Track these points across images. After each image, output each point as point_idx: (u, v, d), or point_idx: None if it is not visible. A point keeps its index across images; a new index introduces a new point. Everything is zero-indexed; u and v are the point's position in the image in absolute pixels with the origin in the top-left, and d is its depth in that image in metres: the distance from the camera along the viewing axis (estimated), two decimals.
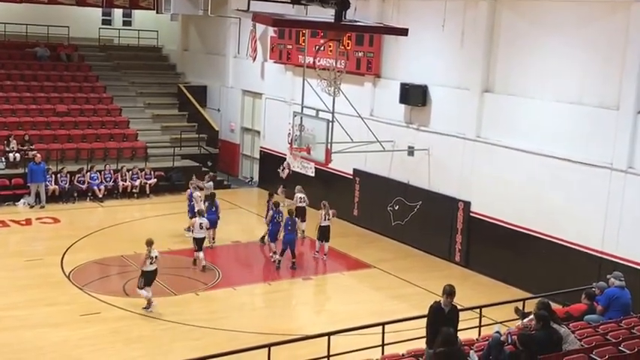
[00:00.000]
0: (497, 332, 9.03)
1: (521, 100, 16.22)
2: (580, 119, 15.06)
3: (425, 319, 9.29)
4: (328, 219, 17.70)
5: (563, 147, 15.25)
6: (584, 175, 14.85)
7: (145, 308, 13.90)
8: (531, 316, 9.67)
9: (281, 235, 17.01)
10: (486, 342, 9.24)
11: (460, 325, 9.75)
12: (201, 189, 19.13)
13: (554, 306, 10.07)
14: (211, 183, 20.13)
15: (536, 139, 15.80)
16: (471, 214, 17.30)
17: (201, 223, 16.45)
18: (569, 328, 9.35)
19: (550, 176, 15.52)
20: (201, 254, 16.42)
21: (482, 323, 11.62)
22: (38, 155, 21.42)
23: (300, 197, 18.93)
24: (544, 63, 15.75)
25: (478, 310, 11.72)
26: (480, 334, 11.12)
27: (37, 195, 21.18)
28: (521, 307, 11.10)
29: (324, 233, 17.69)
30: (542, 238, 15.64)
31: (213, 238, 18.10)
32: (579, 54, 15.09)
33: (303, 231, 18.80)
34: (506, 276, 16.25)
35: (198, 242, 16.43)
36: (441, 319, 8.94)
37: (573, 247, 15.01)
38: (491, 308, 11.91)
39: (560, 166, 15.29)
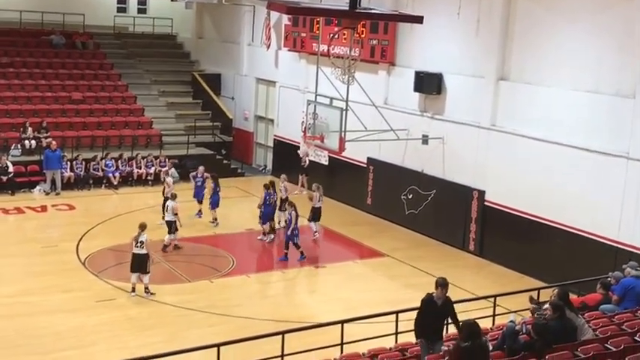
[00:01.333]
0: (512, 321, 8.99)
1: (537, 88, 16.07)
2: (596, 108, 14.91)
3: None
4: (321, 200, 17.97)
5: (579, 136, 15.11)
6: (600, 164, 14.72)
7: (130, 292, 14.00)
8: (546, 306, 9.63)
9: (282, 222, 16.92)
10: (500, 331, 9.21)
11: (475, 315, 9.75)
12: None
13: (570, 296, 10.01)
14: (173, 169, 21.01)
15: (552, 128, 15.67)
16: (486, 203, 17.23)
17: (167, 206, 16.68)
18: (584, 318, 9.31)
19: (566, 165, 15.40)
20: (169, 237, 16.52)
21: (497, 312, 11.59)
22: (54, 142, 21.56)
23: (285, 187, 18.89)
24: (560, 51, 15.58)
25: (492, 300, 11.68)
26: (493, 324, 11.10)
27: (53, 182, 21.35)
28: (535, 297, 11.05)
29: (316, 214, 18.04)
30: (557, 228, 15.55)
31: (215, 219, 18.64)
32: (595, 42, 14.91)
33: (280, 222, 18.65)
34: (521, 265, 16.18)
35: (169, 225, 16.53)
36: (432, 311, 8.96)
37: (589, 237, 14.91)
38: (505, 297, 11.87)
39: (575, 155, 15.17)
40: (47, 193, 21.13)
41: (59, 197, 20.96)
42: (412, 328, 10.44)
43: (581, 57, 15.16)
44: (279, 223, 18.38)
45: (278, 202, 18.14)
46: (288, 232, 16.50)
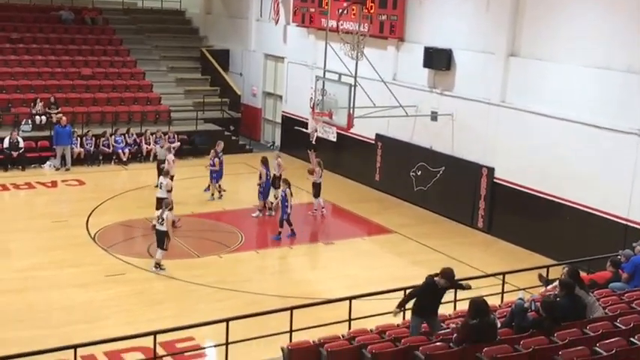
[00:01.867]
0: (521, 299, 8.99)
1: (548, 64, 15.90)
2: (607, 84, 14.75)
3: None
4: (321, 176, 18.01)
5: (590, 113, 14.97)
6: (611, 141, 14.59)
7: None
8: (555, 283, 9.61)
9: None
10: (509, 308, 9.21)
11: (483, 292, 9.76)
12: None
13: (580, 273, 9.98)
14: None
15: (562, 105, 15.53)
16: (495, 180, 17.16)
17: (161, 183, 16.32)
18: (594, 296, 9.29)
19: (576, 142, 15.28)
20: (156, 213, 16.12)
21: (505, 290, 11.59)
22: (64, 118, 21.60)
23: (279, 164, 18.83)
24: (571, 26, 15.38)
25: (501, 277, 11.68)
26: (502, 301, 11.11)
27: (63, 158, 21.43)
28: (544, 274, 11.03)
29: (319, 190, 18.04)
30: (567, 205, 15.48)
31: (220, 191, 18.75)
32: (607, 17, 14.70)
33: (276, 197, 18.62)
34: (530, 243, 16.15)
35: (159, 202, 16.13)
36: (432, 294, 8.84)
37: (599, 214, 14.84)
38: (514, 275, 11.86)
39: (586, 131, 15.04)
40: (57, 169, 21.22)
41: (69, 173, 21.05)
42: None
43: (592, 33, 14.96)
44: (275, 198, 18.41)
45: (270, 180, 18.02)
46: (283, 211, 16.29)
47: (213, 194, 18.99)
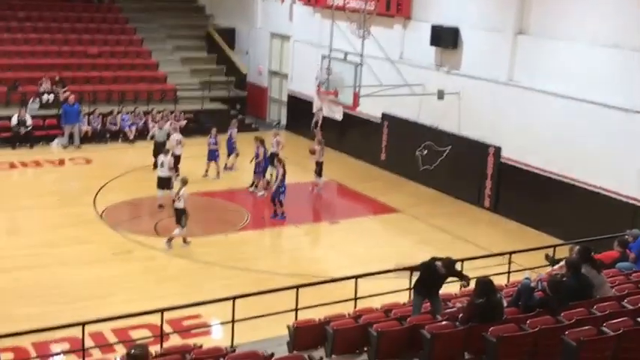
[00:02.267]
0: (527, 278, 8.99)
1: (556, 42, 15.76)
2: (617, 63, 14.62)
3: None
4: (323, 155, 18.08)
5: (598, 91, 14.86)
6: (620, 120, 14.50)
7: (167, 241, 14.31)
8: (561, 263, 9.60)
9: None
10: (515, 288, 9.22)
11: (489, 271, 9.77)
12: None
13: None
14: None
15: (571, 83, 15.41)
16: (502, 159, 17.10)
17: (162, 162, 16.27)
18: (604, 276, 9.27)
19: (584, 121, 15.19)
20: (159, 192, 16.26)
21: (511, 269, 11.60)
22: (72, 96, 21.59)
23: (277, 141, 18.80)
24: (580, 4, 15.24)
25: (507, 256, 11.69)
26: (508, 280, 11.12)
27: (71, 136, 21.45)
28: (551, 254, 11.03)
29: (320, 168, 18.08)
30: (574, 185, 15.44)
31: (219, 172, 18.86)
32: None
33: (271, 175, 18.57)
34: (537, 222, 16.13)
35: (161, 182, 16.21)
36: (432, 276, 8.75)
37: (607, 194, 14.80)
38: (520, 254, 11.86)
39: (595, 110, 14.94)
40: (65, 147, 21.25)
41: (76, 151, 21.08)
42: None
43: (601, 10, 14.81)
44: (271, 176, 18.45)
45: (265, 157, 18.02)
46: (274, 189, 16.27)
47: (218, 172, 18.95)
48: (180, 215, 14.18)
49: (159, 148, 18.00)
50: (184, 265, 13.72)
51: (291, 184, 18.76)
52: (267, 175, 18.07)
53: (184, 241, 14.43)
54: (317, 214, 17.62)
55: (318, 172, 18.24)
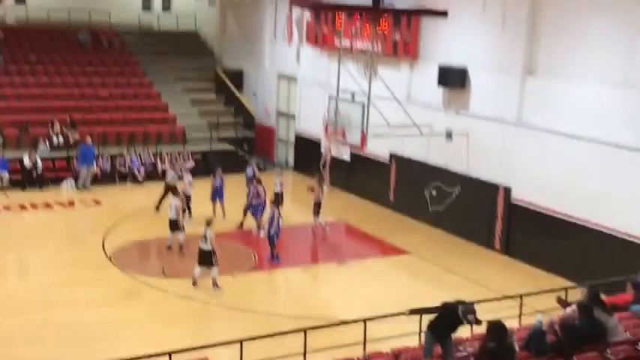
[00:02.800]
0: (539, 321, 8.86)
1: (565, 82, 15.80)
2: (627, 101, 14.61)
3: None
4: (323, 195, 18.08)
5: (610, 131, 14.82)
6: (631, 160, 14.42)
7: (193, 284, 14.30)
8: (573, 306, 9.46)
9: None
10: (527, 331, 9.08)
11: (501, 314, 9.62)
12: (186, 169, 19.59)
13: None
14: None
15: (581, 123, 15.39)
16: (512, 200, 17.01)
17: (171, 205, 16.28)
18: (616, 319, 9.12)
19: (595, 161, 15.12)
20: (169, 235, 16.25)
21: (523, 312, 11.43)
22: (89, 137, 21.76)
23: (281, 182, 18.86)
24: (589, 44, 15.29)
25: (519, 299, 11.53)
26: (520, 323, 10.95)
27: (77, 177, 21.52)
28: (563, 297, 10.87)
29: (318, 209, 18.03)
30: (586, 226, 15.29)
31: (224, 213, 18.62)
32: (625, 34, 14.58)
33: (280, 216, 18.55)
34: (548, 264, 15.93)
35: (171, 224, 16.17)
36: (449, 319, 8.60)
37: (619, 236, 14.63)
38: (532, 297, 11.70)
39: (605, 150, 14.89)
40: (79, 189, 21.27)
41: (86, 192, 21.16)
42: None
43: (610, 50, 14.86)
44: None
45: (267, 198, 17.91)
46: (271, 231, 15.94)
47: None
48: (207, 257, 14.14)
49: (170, 191, 17.99)
50: (192, 307, 13.61)
51: (298, 224, 18.78)
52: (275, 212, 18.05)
53: (194, 283, 14.34)
54: (325, 256, 17.50)
55: (316, 213, 18.14)
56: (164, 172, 22.60)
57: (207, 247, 14.15)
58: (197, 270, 14.29)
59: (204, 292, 14.19)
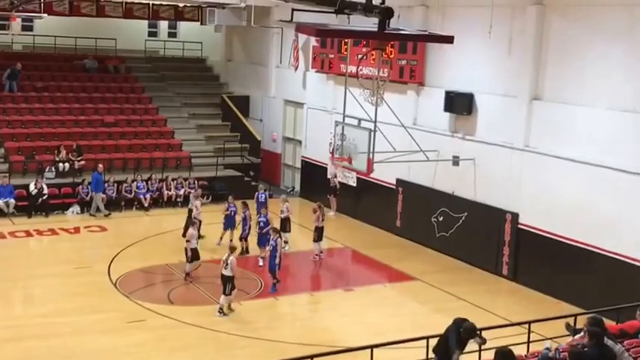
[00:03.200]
0: (547, 349, 8.74)
1: (572, 107, 15.79)
2: (635, 128, 14.56)
3: None
4: (323, 220, 18.08)
5: (617, 156, 14.77)
6: (639, 185, 14.35)
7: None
8: (582, 333, 9.33)
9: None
10: (535, 358, 8.95)
11: (508, 341, 9.50)
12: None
13: (608, 322, 9.72)
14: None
15: (589, 149, 15.35)
16: (519, 225, 16.91)
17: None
18: (623, 346, 9.01)
19: (603, 187, 15.04)
20: (190, 265, 16.14)
21: (531, 339, 11.28)
22: (100, 165, 21.93)
23: (287, 207, 18.74)
24: (595, 69, 15.32)
25: (526, 326, 11.39)
26: (528, 350, 10.80)
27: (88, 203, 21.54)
28: (572, 323, 10.74)
29: (321, 234, 18.01)
30: (594, 252, 15.17)
31: (231, 240, 18.24)
32: (632, 60, 14.61)
33: (286, 242, 18.44)
34: (557, 290, 15.79)
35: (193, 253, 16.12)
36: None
37: (628, 261, 14.50)
38: (540, 324, 11.56)
39: (612, 176, 14.83)
40: (93, 215, 21.32)
41: (92, 219, 21.15)
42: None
43: (617, 75, 14.86)
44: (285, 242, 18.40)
45: (275, 223, 17.86)
46: (274, 261, 15.77)
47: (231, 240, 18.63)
48: (227, 282, 14.19)
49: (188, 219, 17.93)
50: (197, 334, 13.49)
51: (305, 250, 18.69)
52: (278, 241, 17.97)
53: (229, 307, 14.39)
54: (331, 282, 17.39)
55: (316, 238, 18.06)
56: (170, 198, 22.76)
57: (228, 272, 14.23)
58: (222, 297, 14.35)
59: (209, 319, 14.08)
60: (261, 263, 17.37)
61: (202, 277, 16.34)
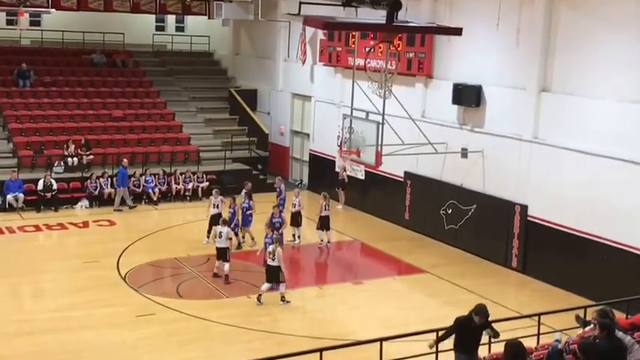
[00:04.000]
0: (557, 341, 8.71)
1: (581, 99, 15.69)
2: None
3: None
4: (328, 209, 18.23)
5: (626, 148, 14.68)
6: None
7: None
8: (591, 325, 9.30)
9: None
10: (545, 351, 8.93)
11: (518, 333, 9.49)
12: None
13: (618, 314, 9.67)
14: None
15: (597, 140, 15.26)
16: (529, 218, 16.84)
17: (221, 232, 15.76)
18: (633, 338, 8.96)
19: (613, 178, 14.95)
20: (228, 266, 15.73)
21: (541, 331, 11.25)
22: (125, 160, 22.07)
23: (297, 202, 18.74)
24: (604, 61, 15.20)
25: (536, 318, 11.35)
26: (538, 343, 10.76)
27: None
28: (582, 315, 10.69)
29: (325, 223, 18.20)
30: (604, 243, 15.10)
31: (252, 238, 18.13)
32: None
33: (299, 236, 18.66)
34: (566, 282, 15.74)
35: (220, 252, 15.80)
36: (469, 330, 8.86)
37: (638, 253, 14.42)
38: (550, 316, 11.52)
39: (623, 167, 14.72)
40: (117, 210, 21.46)
41: (100, 213, 21.23)
42: (452, 347, 10.22)
43: (626, 66, 14.75)
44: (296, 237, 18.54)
45: (287, 218, 17.95)
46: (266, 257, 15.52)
47: (252, 238, 18.30)
48: (277, 272, 14.49)
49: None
50: (206, 328, 13.53)
51: (313, 244, 18.70)
52: (290, 235, 17.97)
53: (284, 299, 14.70)
54: (340, 275, 17.38)
55: (322, 227, 18.19)
56: (178, 192, 22.80)
57: (274, 263, 14.47)
58: (265, 286, 14.60)
59: (218, 313, 14.11)
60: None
61: (212, 271, 16.34)
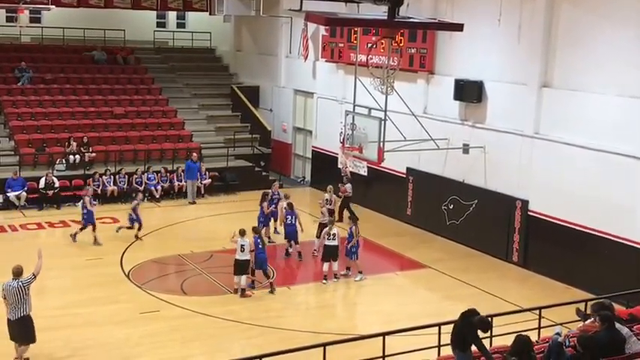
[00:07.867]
0: (558, 334, 8.78)
1: (582, 94, 15.74)
2: None
3: None
4: (331, 204, 18.25)
5: (626, 143, 14.73)
6: None
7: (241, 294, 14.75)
8: (591, 319, 9.37)
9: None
10: (546, 344, 9.00)
11: (519, 327, 9.55)
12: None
13: (617, 307, 9.73)
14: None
15: (598, 136, 15.31)
16: (530, 212, 16.90)
17: (242, 245, 14.86)
18: (632, 330, 9.03)
19: (612, 174, 15.02)
20: (240, 279, 14.93)
21: (542, 325, 11.32)
22: (195, 154, 22.68)
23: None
24: (605, 56, 15.24)
25: (537, 312, 11.42)
26: (539, 336, 10.83)
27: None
28: (582, 309, 10.76)
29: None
30: (604, 237, 15.17)
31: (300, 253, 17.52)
32: None
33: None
34: (567, 276, 15.82)
35: (239, 265, 14.87)
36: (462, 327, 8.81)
37: (638, 247, 14.48)
38: (551, 309, 11.59)
39: (622, 162, 14.79)
40: (191, 202, 21.97)
41: (103, 210, 21.25)
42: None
43: (627, 62, 14.79)
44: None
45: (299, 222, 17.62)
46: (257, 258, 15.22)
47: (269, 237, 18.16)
48: (336, 251, 15.49)
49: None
50: (210, 324, 13.61)
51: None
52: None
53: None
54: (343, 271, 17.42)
55: (318, 235, 17.58)
56: (180, 189, 22.86)
57: (334, 242, 15.45)
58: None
59: (222, 309, 14.19)
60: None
61: (215, 268, 16.44)
